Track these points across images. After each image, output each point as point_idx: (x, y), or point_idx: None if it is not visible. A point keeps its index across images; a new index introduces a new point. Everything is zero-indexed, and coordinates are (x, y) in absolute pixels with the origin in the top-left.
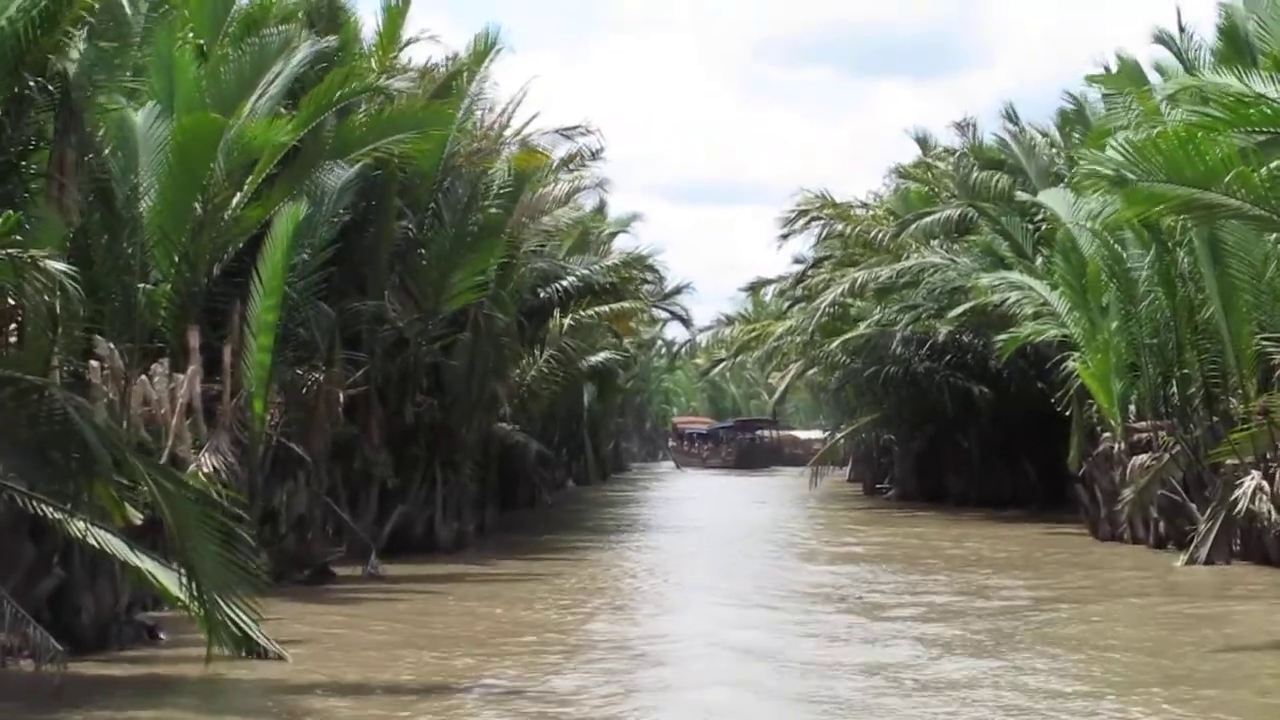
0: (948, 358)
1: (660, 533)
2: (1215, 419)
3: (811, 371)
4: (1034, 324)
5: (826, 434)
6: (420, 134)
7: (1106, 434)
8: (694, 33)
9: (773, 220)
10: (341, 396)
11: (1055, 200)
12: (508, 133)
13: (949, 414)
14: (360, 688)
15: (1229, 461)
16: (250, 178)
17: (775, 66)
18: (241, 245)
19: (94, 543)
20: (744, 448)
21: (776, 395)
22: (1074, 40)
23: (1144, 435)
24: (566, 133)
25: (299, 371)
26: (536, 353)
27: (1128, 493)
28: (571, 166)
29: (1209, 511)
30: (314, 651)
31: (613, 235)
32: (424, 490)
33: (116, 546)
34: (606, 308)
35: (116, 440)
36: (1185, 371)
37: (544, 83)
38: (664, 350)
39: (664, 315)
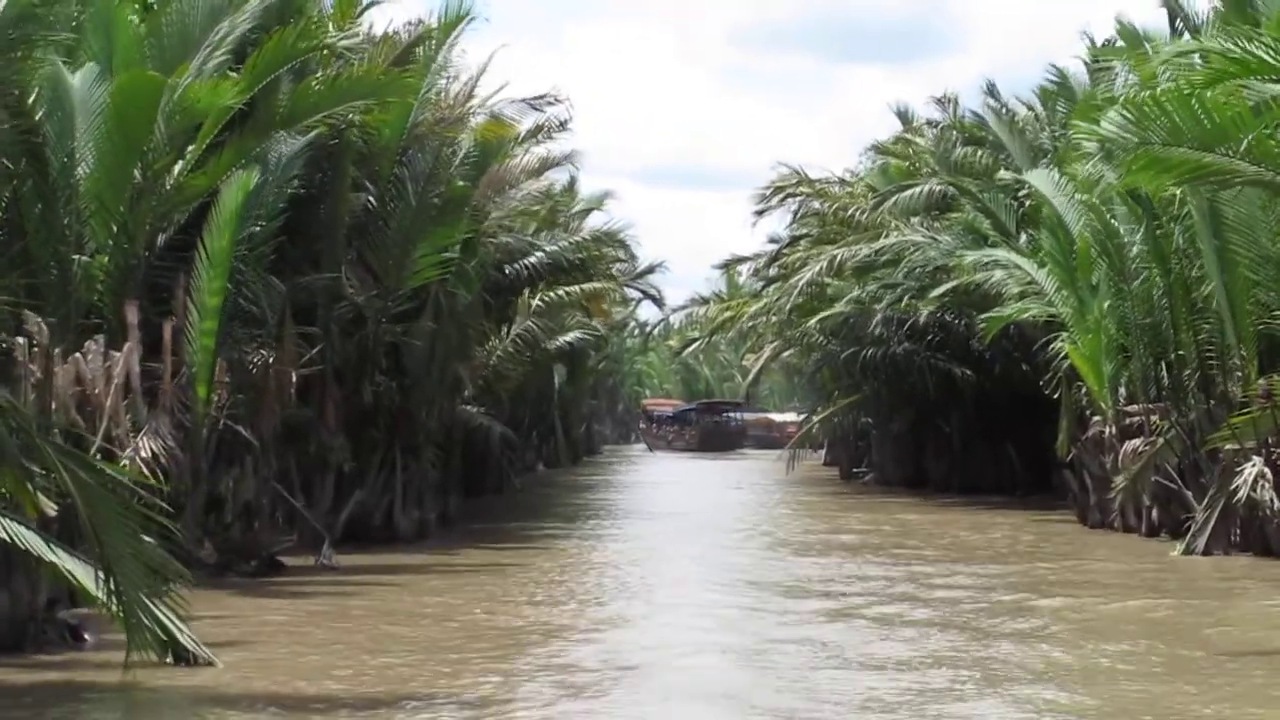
0: (929, 338)
1: (633, 520)
2: (1212, 402)
3: (787, 353)
4: (1020, 303)
5: (802, 416)
6: (379, 102)
7: (1097, 418)
8: (669, 19)
9: (748, 199)
10: (294, 377)
11: (1040, 178)
12: (473, 103)
13: (930, 397)
14: (293, 701)
15: (1228, 447)
16: (194, 144)
17: (751, 53)
18: (187, 216)
19: (4, 535)
20: (707, 430)
21: (750, 377)
22: (1049, 26)
23: (1136, 419)
24: (534, 102)
25: (247, 350)
26: (503, 332)
27: (1120, 479)
28: (540, 139)
29: (1207, 499)
30: (249, 656)
31: (585, 213)
32: (383, 476)
33: (30, 540)
34: (577, 287)
35: (24, 422)
36: (1180, 352)
37: (518, 68)
38: (637, 332)
39: (636, 295)
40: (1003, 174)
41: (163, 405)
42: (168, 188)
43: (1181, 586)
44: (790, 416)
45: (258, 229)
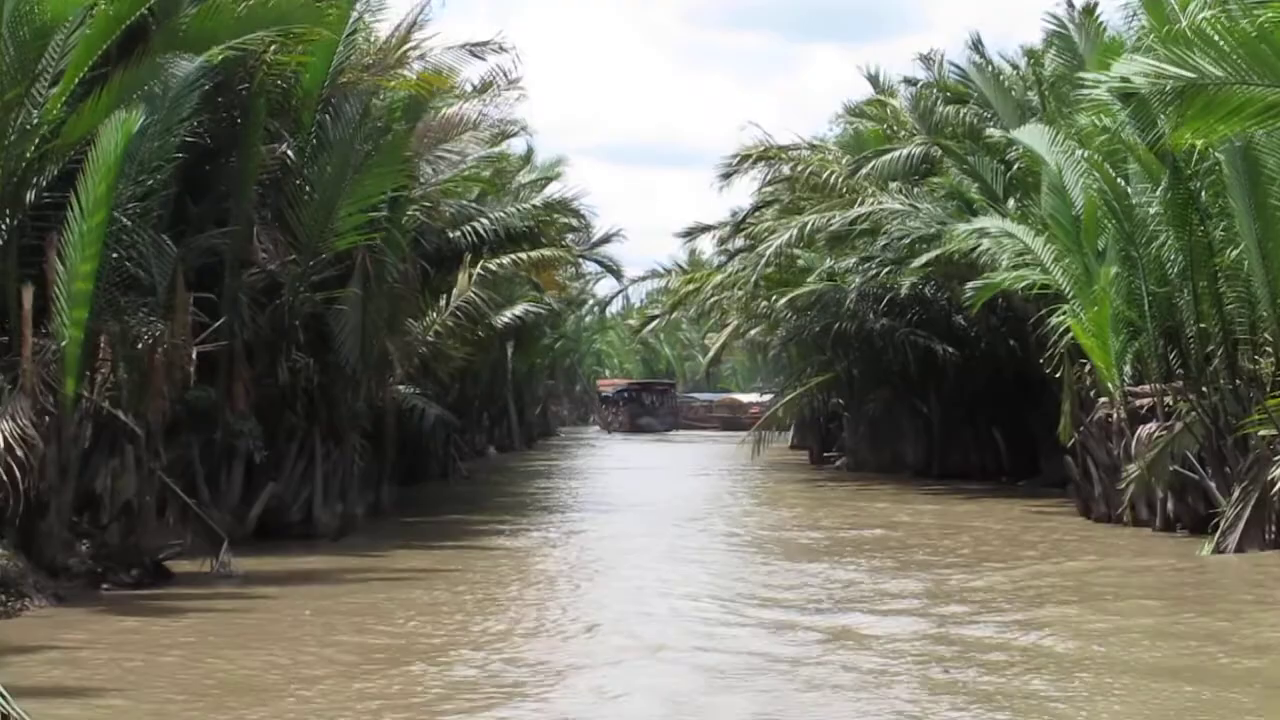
0: (909, 314)
1: (588, 512)
2: (1239, 382)
3: (753, 331)
4: (1017, 272)
5: (767, 397)
6: (295, 39)
7: (1102, 399)
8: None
9: (711, 169)
10: (193, 354)
11: (1034, 135)
12: (408, 48)
13: (910, 375)
14: None
15: (1261, 433)
16: (60, 84)
17: (709, 31)
18: (65, 165)
19: None
20: (635, 411)
21: (710, 355)
22: (1010, 6)
23: (1146, 401)
24: (476, 49)
25: (131, 322)
26: (443, 305)
27: (1133, 467)
28: (487, 99)
29: (1239, 492)
30: (87, 710)
31: (539, 184)
32: (301, 466)
33: None
34: (524, 255)
35: None
36: (1202, 325)
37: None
38: (596, 309)
39: (593, 270)
40: (992, 132)
41: (23, 385)
42: (28, 126)
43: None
44: (755, 397)
45: (151, 181)
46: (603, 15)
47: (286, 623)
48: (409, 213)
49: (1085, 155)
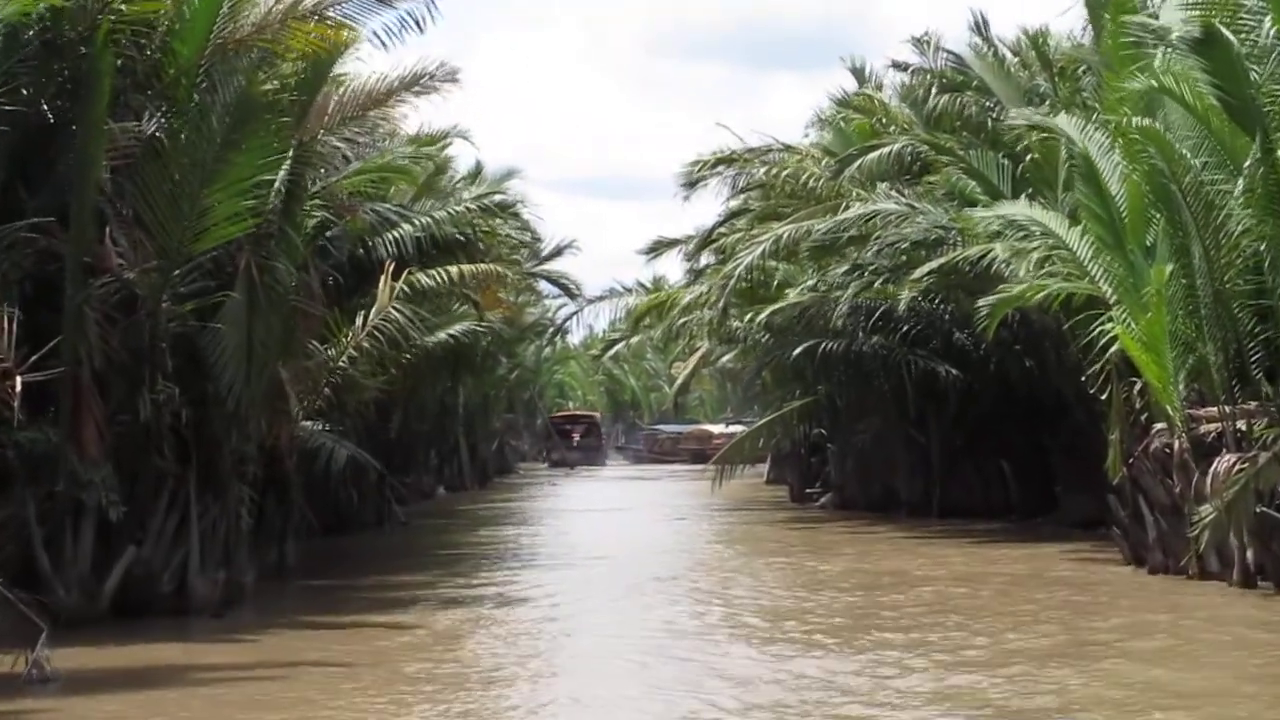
0: (905, 330)
1: (535, 570)
2: None
3: (725, 358)
4: (1043, 281)
5: (736, 428)
6: None
7: (1159, 426)
8: (584, 30)
9: (673, 190)
10: (18, 384)
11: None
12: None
13: (906, 401)
14: None
15: None
16: None
17: (668, 61)
18: None
19: None
20: (561, 446)
21: (678, 384)
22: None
23: (1213, 427)
24: None
25: None
26: (359, 325)
27: (1206, 509)
28: (419, 88)
29: None
30: None
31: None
32: (172, 525)
33: None
34: (456, 267)
35: None
36: None
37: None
38: (557, 338)
39: (551, 292)
40: (1015, 115)
41: None
42: None
43: None
44: (733, 429)
45: None
46: (558, 46)
47: None
48: (310, 211)
49: (1138, 126)
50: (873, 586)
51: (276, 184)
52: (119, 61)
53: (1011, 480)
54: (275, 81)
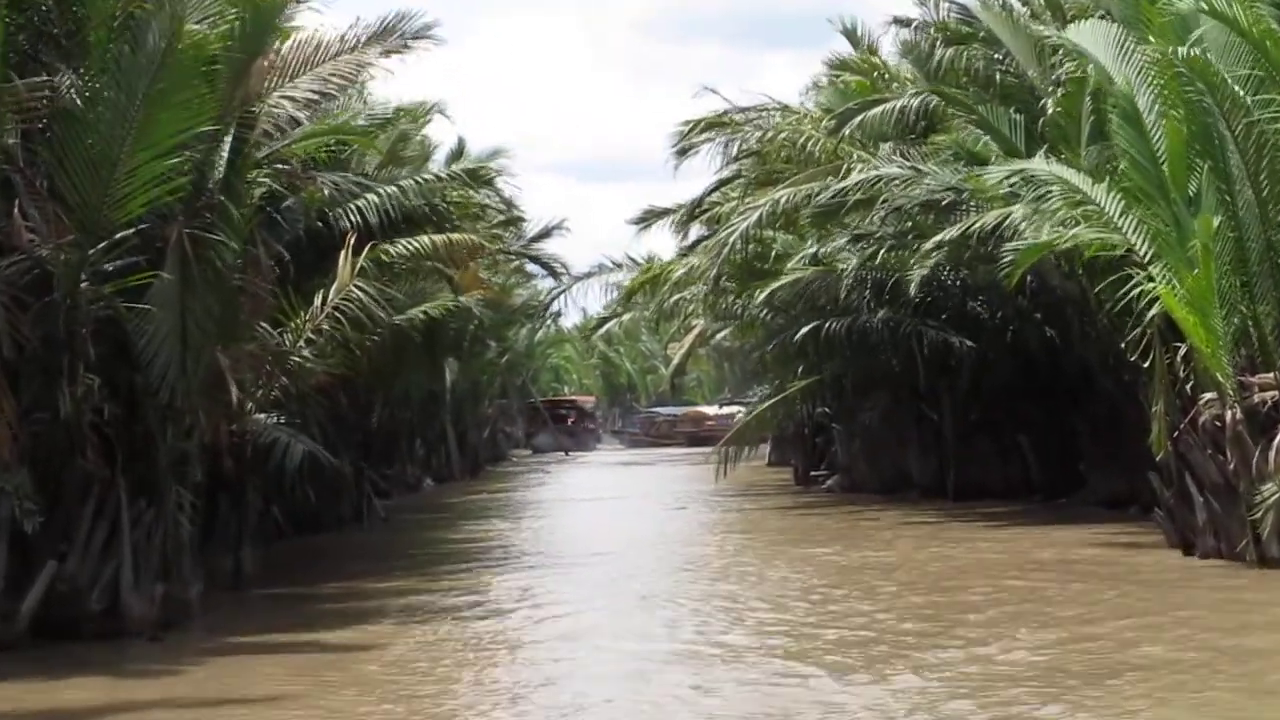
0: (916, 300)
1: (520, 572)
2: None
3: (721, 334)
4: (1073, 230)
5: (728, 409)
6: None
7: (1208, 396)
8: (576, 12)
9: (667, 137)
10: None
11: (1090, 37)
12: None
13: (916, 375)
14: None
15: None
16: None
17: (660, 44)
18: None
19: None
20: (538, 430)
21: (673, 365)
22: None
23: (1270, 395)
24: None
25: None
26: (318, 307)
27: (1270, 487)
28: (390, 44)
29: None
30: None
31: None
32: (101, 535)
33: None
34: (425, 236)
35: None
36: None
37: (421, 68)
38: (551, 323)
39: (543, 275)
40: (1041, 29)
41: None
42: None
43: None
44: (727, 410)
45: None
46: (549, 29)
47: None
48: (256, 180)
49: (1185, 55)
50: (916, 584)
51: (215, 150)
52: (23, 10)
53: (1031, 457)
54: (211, 29)
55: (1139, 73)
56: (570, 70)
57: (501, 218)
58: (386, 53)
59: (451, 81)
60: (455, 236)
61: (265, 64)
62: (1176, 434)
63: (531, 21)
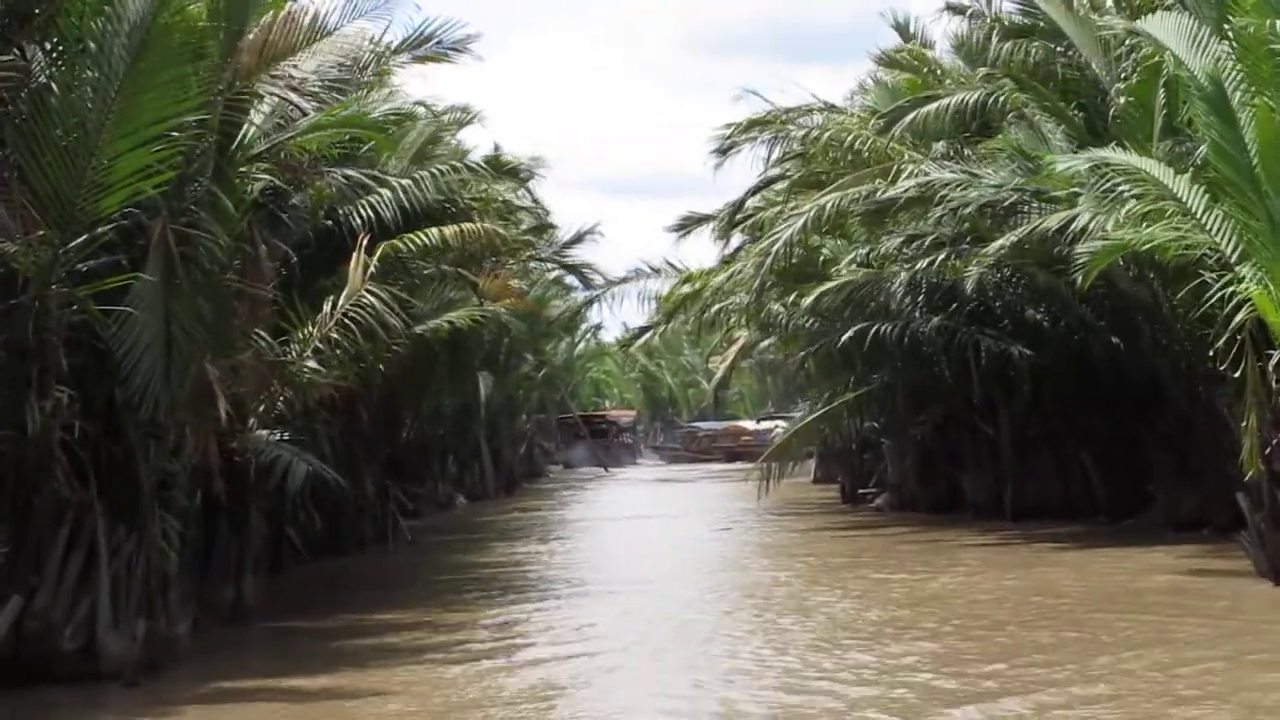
0: (970, 308)
1: (550, 603)
2: None
3: (764, 345)
4: (1148, 230)
5: (767, 424)
6: None
7: None
8: (615, 29)
9: (699, 155)
10: None
11: (1164, 27)
12: None
13: (971, 388)
14: None
15: None
16: None
17: (700, 60)
18: None
19: None
20: (572, 446)
21: (716, 379)
22: None
23: None
24: None
25: None
26: (327, 312)
27: None
28: (418, 50)
29: None
30: None
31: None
32: (75, 566)
33: None
34: (438, 229)
35: None
36: None
37: (458, 79)
38: (590, 336)
39: (580, 286)
40: (1110, 20)
41: None
42: None
43: None
44: (765, 425)
45: None
46: (588, 45)
47: None
48: (253, 173)
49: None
50: (1018, 623)
51: (204, 136)
52: None
53: (1094, 474)
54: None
55: (1219, 60)
56: (604, 86)
57: (534, 222)
58: (422, 59)
59: (482, 95)
60: (468, 226)
61: (255, 42)
62: (1269, 450)
63: (563, 37)
